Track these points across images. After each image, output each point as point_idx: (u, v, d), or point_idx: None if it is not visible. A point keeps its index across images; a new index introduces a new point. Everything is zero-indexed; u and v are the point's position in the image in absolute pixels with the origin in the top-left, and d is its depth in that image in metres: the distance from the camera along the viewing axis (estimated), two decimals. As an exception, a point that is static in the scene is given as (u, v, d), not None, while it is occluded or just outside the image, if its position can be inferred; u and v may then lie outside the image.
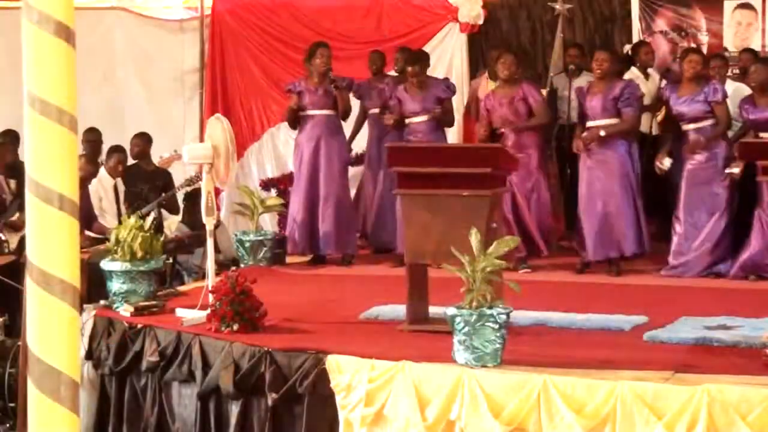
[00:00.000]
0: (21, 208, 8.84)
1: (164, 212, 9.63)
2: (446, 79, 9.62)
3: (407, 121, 8.94)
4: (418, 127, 8.89)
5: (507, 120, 8.57)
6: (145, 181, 9.62)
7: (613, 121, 8.29)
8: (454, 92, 9.21)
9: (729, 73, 9.41)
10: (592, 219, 8.30)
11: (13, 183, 9.20)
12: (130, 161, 9.76)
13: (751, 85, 8.28)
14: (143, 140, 9.86)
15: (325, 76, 8.83)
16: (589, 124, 8.38)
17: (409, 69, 8.91)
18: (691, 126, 8.21)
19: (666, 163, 8.41)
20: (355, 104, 9.48)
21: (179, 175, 10.01)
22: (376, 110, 9.44)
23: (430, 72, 9.37)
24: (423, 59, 9.18)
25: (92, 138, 10.02)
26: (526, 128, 8.51)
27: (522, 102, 8.55)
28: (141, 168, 9.75)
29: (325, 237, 8.86)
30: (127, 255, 6.92)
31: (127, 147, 9.88)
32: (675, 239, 8.23)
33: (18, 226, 8.79)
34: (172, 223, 9.86)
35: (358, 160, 10.02)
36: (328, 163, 8.88)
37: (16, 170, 9.23)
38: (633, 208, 8.28)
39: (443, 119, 8.95)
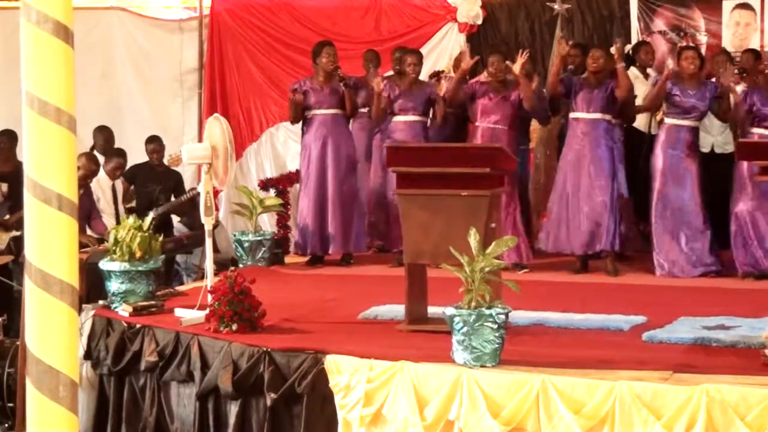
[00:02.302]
0: (11, 210, 8.84)
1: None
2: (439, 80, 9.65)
3: (394, 119, 8.95)
4: (403, 126, 8.89)
5: (487, 113, 8.56)
6: (156, 182, 9.64)
7: (598, 115, 8.37)
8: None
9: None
10: (561, 212, 8.36)
11: (5, 186, 9.20)
12: (131, 162, 9.77)
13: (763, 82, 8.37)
14: (161, 144, 9.85)
15: (331, 75, 8.84)
16: (576, 115, 8.44)
17: (408, 58, 8.92)
18: (686, 122, 8.26)
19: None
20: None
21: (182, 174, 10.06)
22: (365, 110, 9.44)
23: (428, 71, 9.37)
24: (421, 57, 9.21)
25: (105, 135, 10.03)
26: (528, 91, 8.49)
27: (512, 104, 8.56)
28: (152, 168, 9.76)
29: (335, 237, 8.86)
30: (126, 255, 6.92)
31: (127, 147, 9.90)
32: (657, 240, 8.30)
33: (8, 226, 8.80)
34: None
35: None
36: (336, 163, 8.88)
37: (8, 174, 9.23)
38: (610, 205, 8.29)
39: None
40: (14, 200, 8.78)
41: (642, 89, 9.35)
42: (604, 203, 8.28)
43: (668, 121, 8.38)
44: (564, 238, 8.39)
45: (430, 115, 9.01)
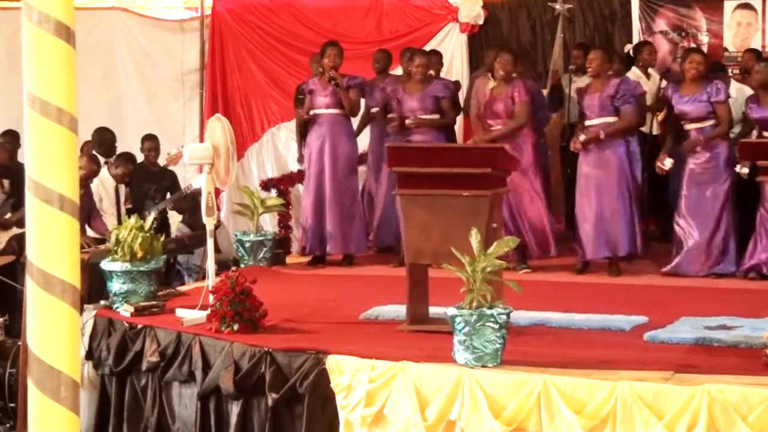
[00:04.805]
0: (14, 207, 8.84)
1: (170, 211, 9.66)
2: (446, 79, 9.62)
3: (407, 122, 8.94)
4: (418, 127, 8.88)
5: (496, 114, 8.54)
6: (151, 181, 9.64)
7: (611, 119, 8.28)
8: (453, 90, 9.21)
9: (729, 74, 9.42)
10: (589, 218, 8.31)
11: (6, 183, 9.20)
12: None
13: (753, 84, 8.28)
14: (157, 143, 9.86)
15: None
16: (587, 123, 8.38)
17: (417, 59, 8.91)
18: (694, 126, 8.20)
19: (667, 163, 8.37)
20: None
21: (182, 174, 10.04)
22: (377, 109, 9.45)
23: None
24: (433, 57, 9.23)
25: (107, 137, 10.02)
26: (501, 134, 8.44)
27: (511, 100, 8.52)
28: (147, 168, 9.76)
29: (333, 236, 8.87)
30: (128, 255, 6.93)
31: (128, 147, 9.89)
32: (676, 240, 8.23)
33: (8, 225, 8.79)
34: (173, 223, 9.89)
35: (360, 158, 10.01)
36: (333, 162, 8.88)
37: (11, 170, 9.23)
38: (629, 209, 8.28)
39: (443, 123, 8.98)
40: (17, 197, 8.78)
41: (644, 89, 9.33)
42: (623, 207, 8.24)
43: (685, 126, 8.25)
44: (600, 243, 8.31)
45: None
